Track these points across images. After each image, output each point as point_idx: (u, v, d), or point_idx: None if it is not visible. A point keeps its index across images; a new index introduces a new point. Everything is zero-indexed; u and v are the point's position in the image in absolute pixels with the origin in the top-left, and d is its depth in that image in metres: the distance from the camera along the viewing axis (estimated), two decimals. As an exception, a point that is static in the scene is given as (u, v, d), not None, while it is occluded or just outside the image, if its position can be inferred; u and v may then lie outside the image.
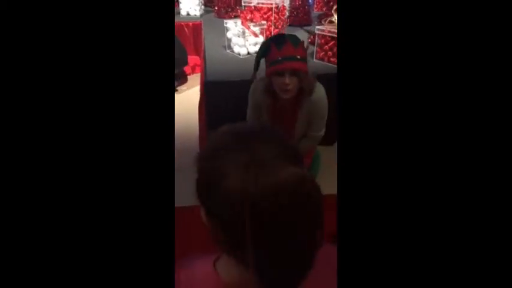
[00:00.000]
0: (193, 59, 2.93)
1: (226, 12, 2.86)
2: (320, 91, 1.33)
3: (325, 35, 1.89)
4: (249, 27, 2.01)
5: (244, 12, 2.14)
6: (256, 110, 1.43)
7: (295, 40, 1.27)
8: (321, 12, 2.72)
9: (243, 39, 2.06)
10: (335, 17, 1.88)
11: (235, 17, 2.85)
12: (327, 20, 1.94)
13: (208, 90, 1.87)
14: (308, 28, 2.57)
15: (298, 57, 1.24)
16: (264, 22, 2.12)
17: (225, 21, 2.14)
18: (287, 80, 1.22)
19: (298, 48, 1.24)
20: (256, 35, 2.03)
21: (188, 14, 3.04)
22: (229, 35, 2.13)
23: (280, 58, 1.22)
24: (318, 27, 1.95)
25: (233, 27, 2.10)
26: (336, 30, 1.85)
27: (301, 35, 2.48)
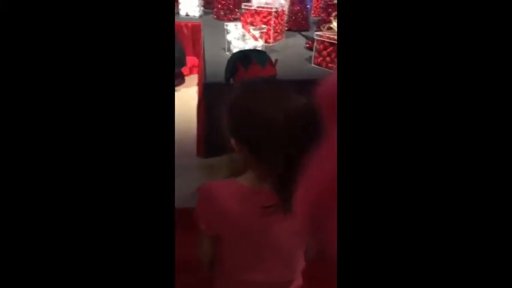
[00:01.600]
0: (191, 60, 2.95)
1: (225, 14, 2.89)
2: None
3: (324, 41, 1.93)
4: (249, 31, 2.03)
5: (245, 15, 2.17)
6: None
7: (262, 59, 1.22)
8: (318, 18, 2.77)
9: (243, 42, 2.09)
10: (334, 24, 1.92)
11: (235, 19, 2.88)
12: (326, 27, 1.97)
13: (207, 91, 1.89)
14: (306, 33, 2.61)
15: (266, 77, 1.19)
16: (264, 26, 2.15)
17: (225, 23, 2.16)
18: None
19: (265, 68, 1.19)
20: (256, 39, 2.06)
21: (187, 15, 3.05)
22: (229, 37, 2.15)
23: (247, 80, 1.18)
24: (316, 33, 1.99)
25: (234, 29, 2.13)
26: (334, 37, 1.89)
27: (299, 39, 2.51)
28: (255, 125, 0.62)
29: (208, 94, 1.89)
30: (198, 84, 2.57)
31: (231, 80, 1.29)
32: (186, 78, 2.94)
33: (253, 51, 1.30)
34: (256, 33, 2.08)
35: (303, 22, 2.65)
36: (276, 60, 1.25)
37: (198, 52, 2.91)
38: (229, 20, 2.86)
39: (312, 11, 2.93)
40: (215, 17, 2.94)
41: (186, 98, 2.69)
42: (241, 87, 0.73)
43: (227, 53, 2.19)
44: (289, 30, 2.57)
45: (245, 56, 1.25)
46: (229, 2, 2.85)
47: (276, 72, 1.24)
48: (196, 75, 2.91)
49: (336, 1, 2.18)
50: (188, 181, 1.96)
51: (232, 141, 0.68)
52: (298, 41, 2.48)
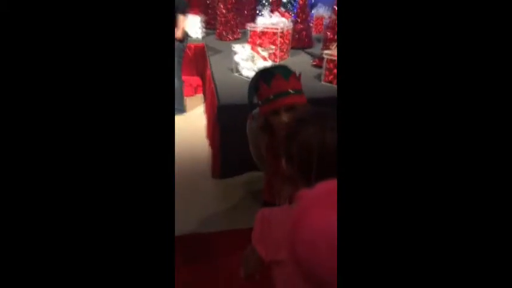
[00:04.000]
0: (195, 80, 2.97)
1: (227, 34, 2.93)
2: None
3: (334, 60, 1.97)
4: (259, 52, 2.06)
5: (253, 37, 2.20)
6: (256, 147, 1.36)
7: (285, 72, 1.15)
8: (320, 35, 2.82)
9: (252, 63, 2.12)
10: (342, 42, 1.96)
11: (237, 39, 2.92)
12: (334, 46, 2.02)
13: (222, 114, 1.90)
14: (309, 50, 2.66)
15: (291, 91, 1.12)
16: (272, 47, 2.18)
17: (232, 45, 2.19)
18: (283, 117, 1.12)
19: (290, 81, 1.12)
20: (265, 59, 2.09)
21: (190, 37, 3.09)
22: (237, 58, 2.18)
23: (272, 96, 1.11)
24: (326, 51, 2.02)
25: (241, 51, 2.16)
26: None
27: (304, 57, 2.56)
28: (298, 150, 0.73)
29: (223, 116, 1.90)
30: (206, 105, 2.58)
31: (255, 99, 1.27)
32: (192, 98, 2.94)
33: (276, 67, 1.23)
34: (265, 53, 2.11)
35: (306, 40, 2.70)
36: (300, 74, 1.23)
37: (202, 72, 2.93)
38: (232, 40, 2.90)
39: (314, 29, 2.99)
40: (217, 37, 2.98)
41: (192, 119, 2.70)
42: (297, 117, 0.80)
43: (236, 74, 2.22)
44: (293, 48, 2.62)
45: (267, 72, 1.18)
46: (231, 23, 2.90)
47: (301, 86, 1.17)
48: (201, 94, 2.93)
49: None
50: (205, 204, 1.96)
51: (283, 161, 0.75)
52: (303, 59, 2.52)
